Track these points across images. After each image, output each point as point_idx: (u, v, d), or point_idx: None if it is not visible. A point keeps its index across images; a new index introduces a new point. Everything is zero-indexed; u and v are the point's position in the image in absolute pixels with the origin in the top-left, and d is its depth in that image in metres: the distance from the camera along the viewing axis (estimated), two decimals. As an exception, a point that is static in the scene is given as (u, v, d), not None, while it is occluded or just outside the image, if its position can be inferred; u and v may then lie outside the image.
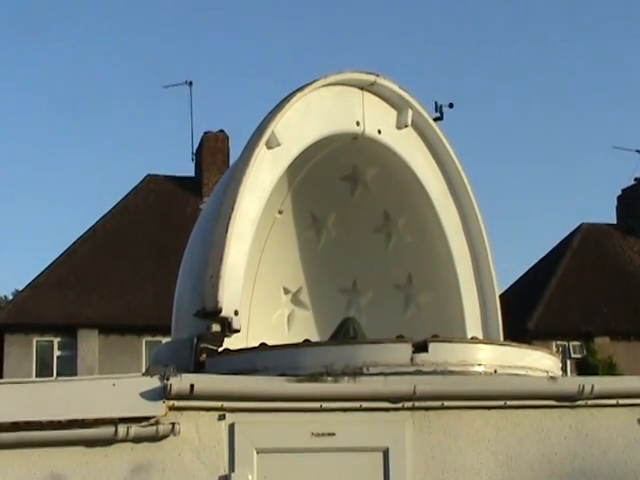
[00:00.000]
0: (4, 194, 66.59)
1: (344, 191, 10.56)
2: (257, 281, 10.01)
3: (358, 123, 9.60)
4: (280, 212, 9.69)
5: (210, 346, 8.36)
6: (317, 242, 10.69)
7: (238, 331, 8.43)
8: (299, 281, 10.58)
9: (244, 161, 8.73)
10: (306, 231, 10.60)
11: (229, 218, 8.45)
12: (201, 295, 8.39)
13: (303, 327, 10.32)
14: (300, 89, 9.12)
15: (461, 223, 10.21)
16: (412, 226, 10.48)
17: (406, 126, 9.91)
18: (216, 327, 8.34)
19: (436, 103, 10.20)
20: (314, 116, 9.28)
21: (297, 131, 9.13)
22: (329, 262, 10.69)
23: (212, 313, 8.30)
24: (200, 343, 8.33)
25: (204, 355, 8.34)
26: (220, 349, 8.43)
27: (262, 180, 8.83)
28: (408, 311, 10.53)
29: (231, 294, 8.36)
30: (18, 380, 8.34)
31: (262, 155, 8.77)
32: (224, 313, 8.28)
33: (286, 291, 10.54)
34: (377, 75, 9.63)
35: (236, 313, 8.35)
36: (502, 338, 10.06)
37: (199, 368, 8.24)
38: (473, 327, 10.08)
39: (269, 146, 8.83)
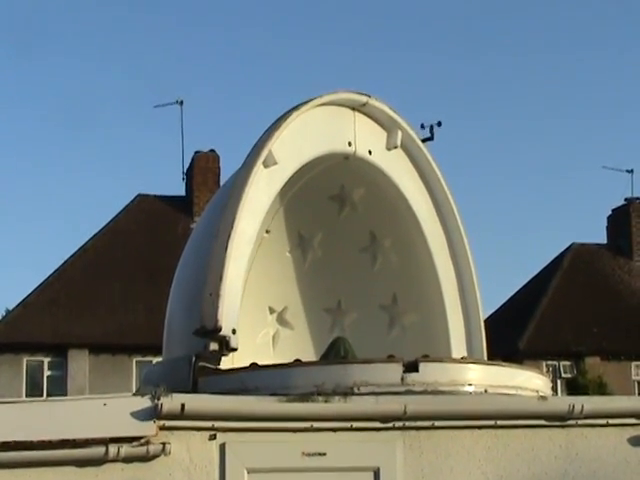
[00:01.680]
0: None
1: (331, 211, 10.55)
2: (243, 300, 10.01)
3: (350, 143, 9.62)
4: (267, 232, 9.69)
5: (208, 365, 8.35)
6: (303, 262, 10.65)
7: (235, 350, 8.40)
8: (284, 301, 10.54)
9: (242, 179, 8.72)
10: (292, 251, 10.57)
11: (228, 236, 8.44)
12: (200, 313, 8.36)
13: (288, 347, 10.28)
14: (296, 108, 9.14)
15: (447, 244, 10.21)
16: (398, 246, 10.48)
17: (395, 147, 9.93)
18: (214, 346, 8.31)
19: (423, 124, 10.24)
20: (309, 135, 9.30)
21: (293, 150, 9.13)
22: (315, 282, 10.65)
23: (211, 331, 8.26)
24: (198, 362, 8.32)
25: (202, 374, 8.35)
26: (217, 368, 8.41)
27: (259, 199, 8.83)
28: (393, 331, 10.50)
29: (230, 312, 8.36)
30: (8, 400, 8.33)
31: (259, 174, 8.79)
32: (223, 332, 8.26)
33: (271, 310, 10.49)
34: (369, 96, 9.65)
35: (234, 332, 8.33)
36: (486, 357, 10.07)
37: (196, 386, 8.23)
38: (458, 347, 10.07)
39: (266, 165, 8.84)
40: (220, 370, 8.43)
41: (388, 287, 10.56)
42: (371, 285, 10.63)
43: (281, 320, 10.56)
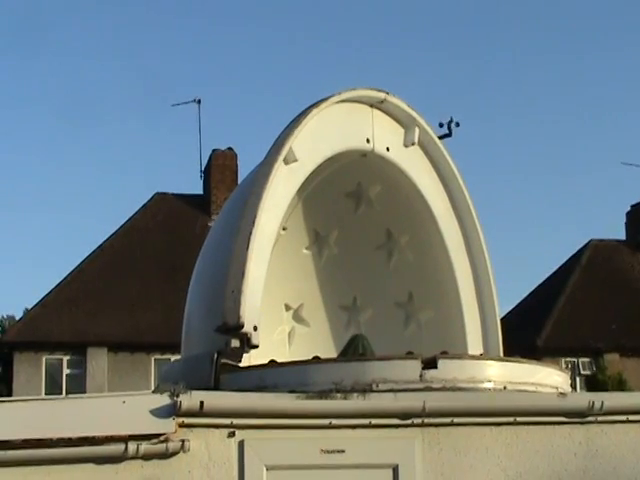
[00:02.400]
0: (12, 214, 66.41)
1: (348, 208, 10.59)
2: (260, 297, 10.06)
3: (368, 140, 9.65)
4: (284, 228, 9.70)
5: (229, 362, 8.38)
6: (319, 259, 10.70)
7: (257, 346, 8.43)
8: (300, 298, 10.59)
9: (263, 176, 8.75)
10: (309, 247, 10.62)
11: (250, 233, 8.48)
12: (222, 310, 8.39)
13: (304, 344, 10.33)
14: (315, 105, 9.16)
15: (463, 241, 10.22)
16: (414, 244, 10.49)
17: (413, 144, 9.96)
18: (235, 342, 8.35)
19: (441, 123, 10.22)
20: (328, 132, 9.33)
21: (312, 147, 9.16)
22: (330, 279, 10.70)
23: (233, 328, 8.30)
24: (220, 359, 8.35)
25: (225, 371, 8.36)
26: (239, 365, 8.43)
27: (279, 196, 8.87)
28: (408, 328, 10.54)
29: (251, 309, 8.38)
30: (28, 398, 8.37)
31: (280, 170, 8.82)
32: (245, 328, 8.30)
33: (287, 308, 10.55)
34: (387, 93, 9.66)
35: (255, 328, 8.37)
36: (502, 354, 10.07)
37: (219, 383, 8.27)
38: (474, 344, 10.09)
39: (286, 162, 8.88)
40: (239, 367, 8.45)
41: (404, 284, 10.58)
42: (387, 282, 10.65)
43: (297, 317, 10.60)
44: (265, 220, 8.67)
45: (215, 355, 8.36)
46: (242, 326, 8.30)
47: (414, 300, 10.57)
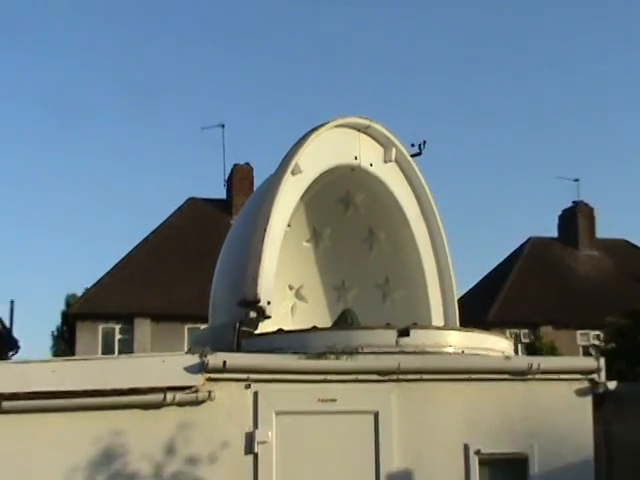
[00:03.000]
0: (80, 216, 66.37)
1: (339, 210, 10.49)
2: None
3: (356, 157, 9.63)
4: (289, 226, 9.66)
5: (248, 329, 8.35)
6: (316, 250, 10.61)
7: (270, 317, 8.42)
8: (301, 280, 10.49)
9: (275, 184, 8.78)
10: (308, 241, 10.52)
11: (264, 230, 8.52)
12: (243, 289, 8.38)
13: (303, 316, 10.24)
14: (315, 129, 9.19)
15: (429, 237, 10.16)
16: (390, 239, 10.43)
17: (391, 161, 9.90)
18: (253, 314, 8.34)
19: (412, 143, 10.20)
20: (325, 151, 9.32)
21: (313, 162, 9.17)
22: (324, 265, 10.62)
23: (252, 302, 8.31)
24: (241, 326, 8.32)
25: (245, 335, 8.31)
26: (255, 332, 8.40)
27: (287, 200, 8.89)
28: (385, 304, 10.45)
29: (266, 288, 8.39)
30: (88, 357, 8.35)
31: (288, 180, 8.85)
32: (261, 303, 8.31)
33: (290, 287, 10.45)
34: (371, 120, 9.65)
35: (268, 303, 8.37)
36: (458, 325, 10.04)
37: (240, 346, 8.22)
38: (437, 317, 10.02)
39: (293, 173, 8.90)
40: (255, 334, 8.42)
41: (382, 270, 10.50)
42: (368, 268, 10.56)
43: (298, 295, 10.54)
44: (276, 220, 8.69)
45: (237, 324, 8.33)
46: (259, 301, 8.30)
47: (390, 282, 10.50)
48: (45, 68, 62.33)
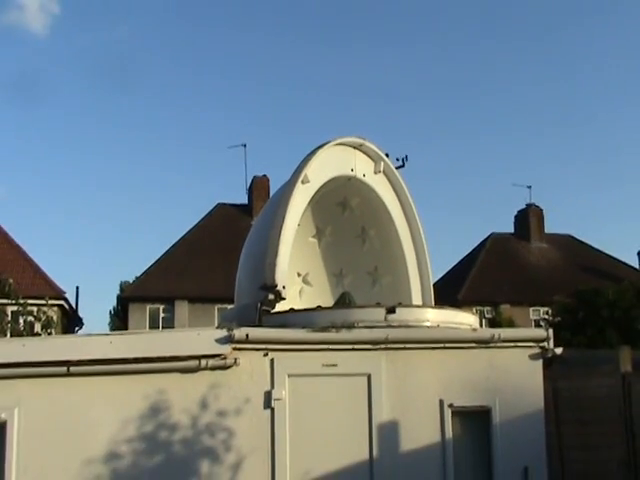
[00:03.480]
0: (132, 218, 66.02)
1: (337, 212, 10.49)
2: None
3: (352, 169, 9.64)
4: (298, 225, 9.65)
5: (267, 309, 8.35)
6: (319, 244, 10.60)
7: (285, 299, 8.41)
8: (307, 268, 10.46)
9: (289, 191, 8.79)
10: (313, 237, 10.51)
11: (280, 228, 8.52)
12: (263, 276, 8.37)
13: (309, 297, 10.23)
14: (321, 146, 9.23)
15: (409, 234, 10.16)
16: (379, 235, 10.42)
17: (380, 172, 9.90)
18: (271, 296, 8.34)
19: (397, 158, 10.15)
20: (328, 164, 9.33)
21: (319, 173, 9.18)
22: (326, 257, 10.61)
23: (271, 287, 8.30)
24: (262, 306, 8.32)
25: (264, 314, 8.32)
26: (273, 310, 8.39)
27: (297, 204, 8.89)
28: (374, 288, 10.42)
29: (282, 275, 8.39)
30: (138, 331, 8.35)
31: (299, 188, 8.86)
32: (278, 287, 8.30)
33: (299, 274, 10.41)
34: (364, 139, 9.66)
35: (283, 287, 8.36)
36: (434, 304, 10.03)
37: (261, 322, 8.23)
38: (416, 298, 10.03)
39: (303, 182, 8.92)
40: (272, 312, 8.42)
41: (372, 260, 10.49)
42: (361, 259, 10.54)
43: (305, 280, 10.49)
44: (289, 220, 8.70)
45: (259, 304, 8.33)
46: (276, 286, 8.29)
47: (378, 270, 10.49)
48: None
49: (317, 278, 10.47)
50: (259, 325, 8.10)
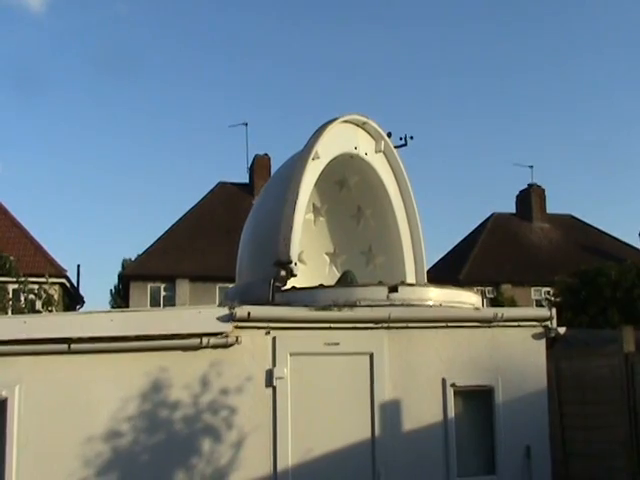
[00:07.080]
0: (133, 196, 65.98)
1: (334, 190, 10.38)
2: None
3: (355, 147, 9.58)
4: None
5: (280, 284, 8.28)
6: (314, 222, 10.51)
7: (296, 276, 8.34)
8: (302, 246, 10.31)
9: (301, 167, 8.72)
10: (309, 215, 10.34)
11: (294, 202, 8.45)
12: (277, 252, 8.29)
13: (303, 276, 10.01)
14: (330, 122, 9.16)
15: (405, 214, 10.06)
16: (375, 215, 10.34)
17: (380, 152, 9.82)
18: (283, 273, 8.27)
19: (401, 137, 10.05)
20: (336, 141, 9.26)
21: (327, 150, 9.11)
22: (320, 235, 10.53)
23: (285, 263, 8.25)
24: (275, 283, 8.25)
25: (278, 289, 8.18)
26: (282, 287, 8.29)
27: (308, 180, 8.83)
28: (368, 268, 10.37)
29: (295, 251, 8.34)
30: (139, 309, 8.31)
31: (310, 164, 8.80)
32: (292, 263, 8.25)
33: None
34: (367, 117, 9.58)
35: (295, 264, 8.30)
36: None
37: (274, 299, 8.14)
38: (410, 279, 9.95)
39: (313, 159, 8.85)
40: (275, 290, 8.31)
41: (366, 240, 10.41)
42: (356, 238, 10.46)
43: (299, 259, 10.35)
44: (302, 195, 8.62)
45: (272, 280, 8.24)
46: (291, 262, 8.24)
47: (372, 250, 10.42)
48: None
49: (311, 257, 10.38)
50: (272, 301, 8.01)
